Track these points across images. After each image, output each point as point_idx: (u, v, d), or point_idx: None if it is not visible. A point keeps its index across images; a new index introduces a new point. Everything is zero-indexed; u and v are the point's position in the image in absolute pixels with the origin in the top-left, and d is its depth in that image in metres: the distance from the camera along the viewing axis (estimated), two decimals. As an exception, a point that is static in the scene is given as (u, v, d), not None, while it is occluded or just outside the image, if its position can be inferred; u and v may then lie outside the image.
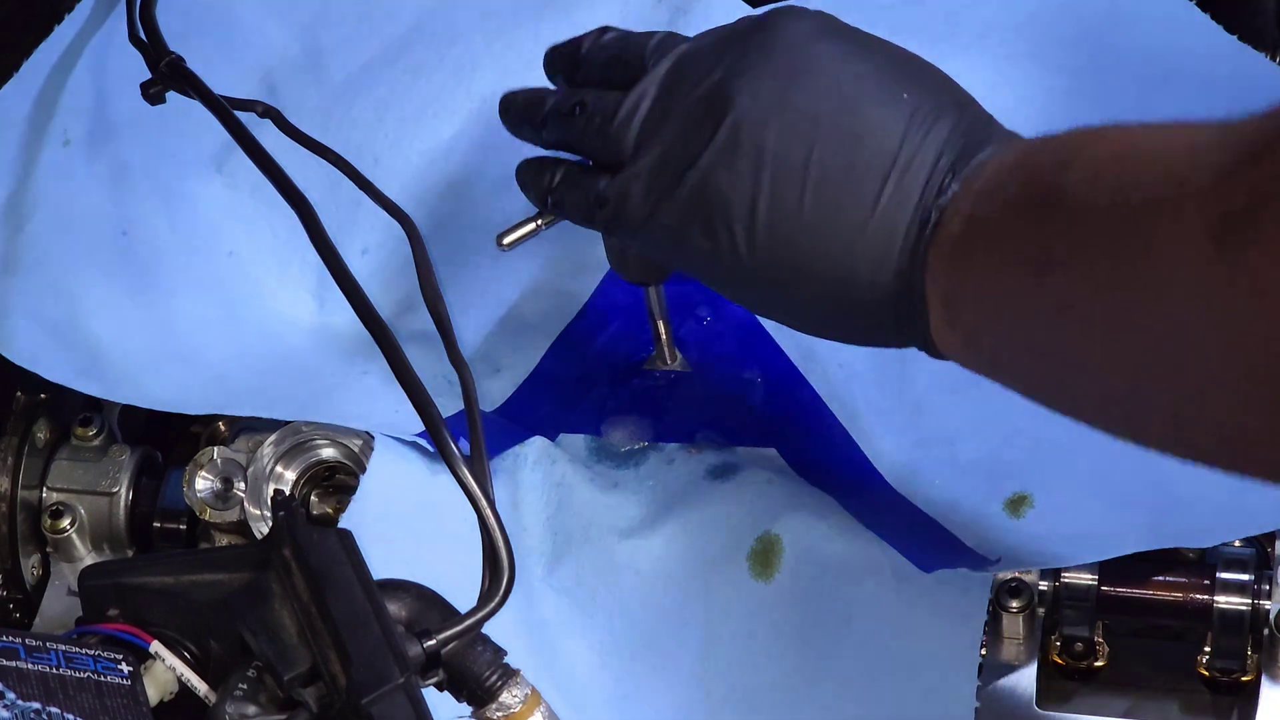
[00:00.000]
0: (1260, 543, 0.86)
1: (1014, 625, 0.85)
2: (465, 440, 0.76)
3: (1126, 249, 0.61)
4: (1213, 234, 0.57)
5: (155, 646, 0.68)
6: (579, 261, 0.95)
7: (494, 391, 0.95)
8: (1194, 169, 0.58)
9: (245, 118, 0.85)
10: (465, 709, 0.70)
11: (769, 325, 0.94)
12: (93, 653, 0.66)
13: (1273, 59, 0.89)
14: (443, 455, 0.71)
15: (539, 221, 0.85)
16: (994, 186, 0.70)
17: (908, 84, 0.73)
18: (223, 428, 0.94)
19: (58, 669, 0.65)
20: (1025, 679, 0.85)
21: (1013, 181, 0.69)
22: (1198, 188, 0.58)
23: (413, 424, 0.82)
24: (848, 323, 0.76)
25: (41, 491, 0.93)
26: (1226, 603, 0.84)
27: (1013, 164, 0.70)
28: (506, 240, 0.86)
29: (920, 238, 0.71)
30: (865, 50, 0.75)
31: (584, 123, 0.79)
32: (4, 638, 0.65)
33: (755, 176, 0.73)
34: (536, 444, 0.91)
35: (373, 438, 0.88)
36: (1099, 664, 0.87)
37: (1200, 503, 0.82)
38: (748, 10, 0.96)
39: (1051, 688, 0.86)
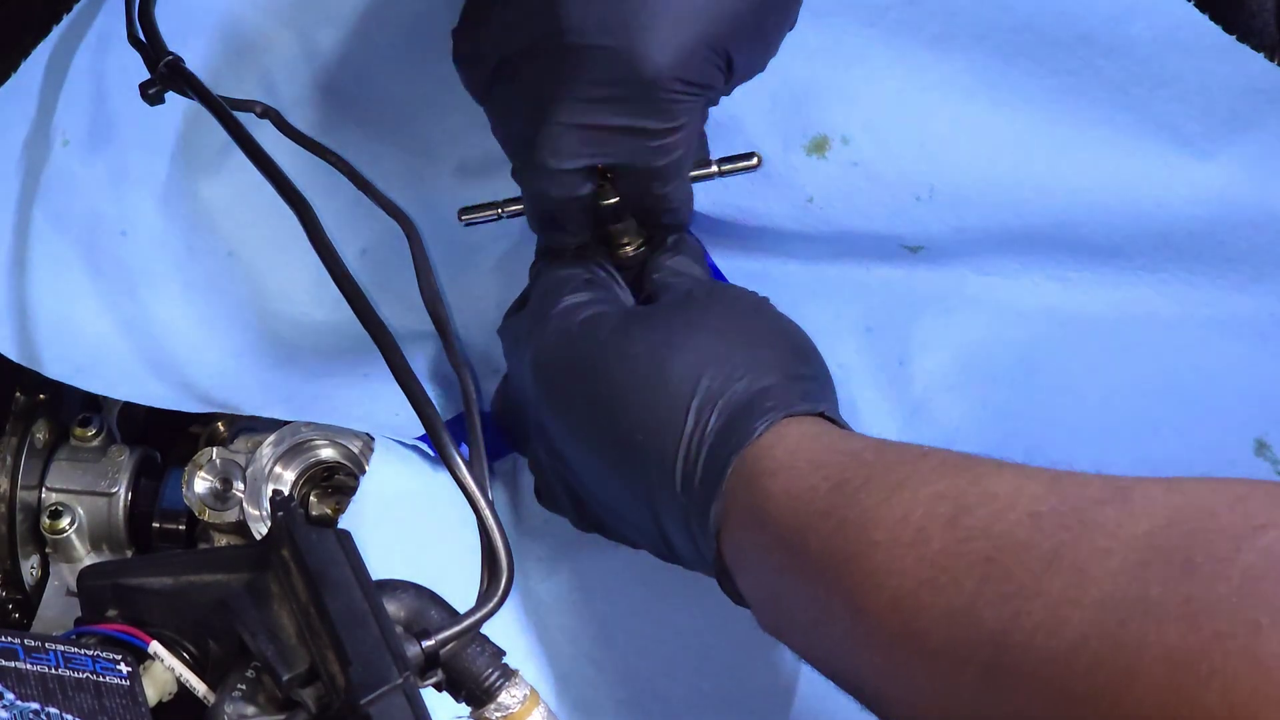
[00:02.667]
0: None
1: (1013, 626, 0.85)
2: (466, 445, 0.76)
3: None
4: None
5: (154, 647, 0.68)
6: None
7: (493, 392, 0.95)
8: None
9: (244, 118, 0.85)
10: (464, 709, 0.70)
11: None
12: (91, 653, 0.66)
13: (1272, 59, 0.89)
14: (441, 456, 0.71)
15: (501, 210, 0.90)
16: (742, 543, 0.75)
17: (641, 414, 0.78)
18: (222, 428, 0.94)
19: (56, 669, 0.65)
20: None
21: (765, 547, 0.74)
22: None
23: (413, 426, 0.82)
24: None
25: (40, 492, 0.92)
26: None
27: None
28: (465, 217, 0.91)
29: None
30: (611, 378, 0.80)
31: None
32: (3, 638, 0.65)
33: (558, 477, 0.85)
34: (536, 445, 0.91)
35: (372, 438, 0.88)
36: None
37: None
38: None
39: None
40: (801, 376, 0.79)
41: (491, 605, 0.68)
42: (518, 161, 0.84)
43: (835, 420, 0.78)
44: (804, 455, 0.73)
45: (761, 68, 0.83)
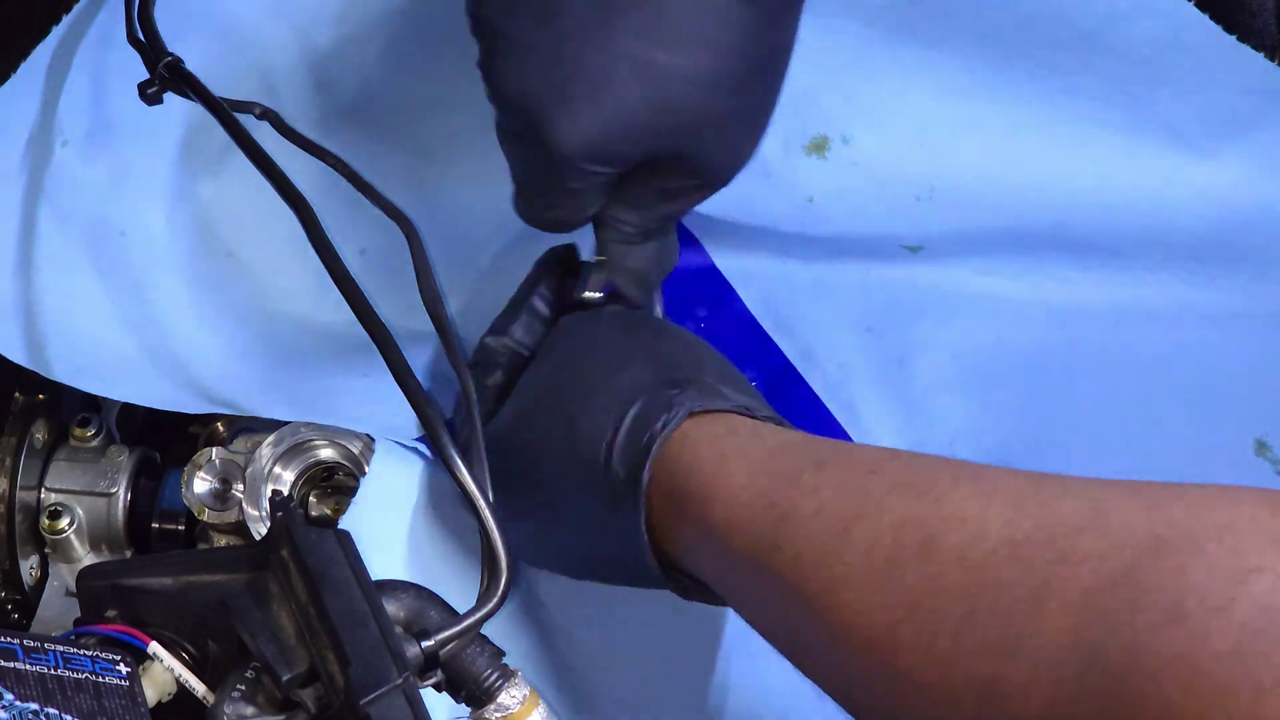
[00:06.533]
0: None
1: (1013, 626, 0.85)
2: (465, 442, 0.76)
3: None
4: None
5: (153, 647, 0.68)
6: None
7: (493, 392, 0.95)
8: None
9: (244, 119, 0.85)
10: (464, 710, 0.70)
11: (767, 325, 0.94)
12: (91, 654, 0.66)
13: (1272, 59, 0.89)
14: (441, 456, 0.71)
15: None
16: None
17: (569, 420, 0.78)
18: (221, 428, 0.94)
19: (56, 670, 0.65)
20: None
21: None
22: None
23: (413, 426, 0.82)
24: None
25: (40, 492, 0.92)
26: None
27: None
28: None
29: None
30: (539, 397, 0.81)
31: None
32: (2, 638, 0.65)
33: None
34: (536, 445, 0.91)
35: (372, 439, 0.88)
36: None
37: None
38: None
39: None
40: (677, 381, 0.77)
41: (491, 605, 0.68)
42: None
43: (744, 410, 0.76)
44: (737, 477, 0.70)
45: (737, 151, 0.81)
